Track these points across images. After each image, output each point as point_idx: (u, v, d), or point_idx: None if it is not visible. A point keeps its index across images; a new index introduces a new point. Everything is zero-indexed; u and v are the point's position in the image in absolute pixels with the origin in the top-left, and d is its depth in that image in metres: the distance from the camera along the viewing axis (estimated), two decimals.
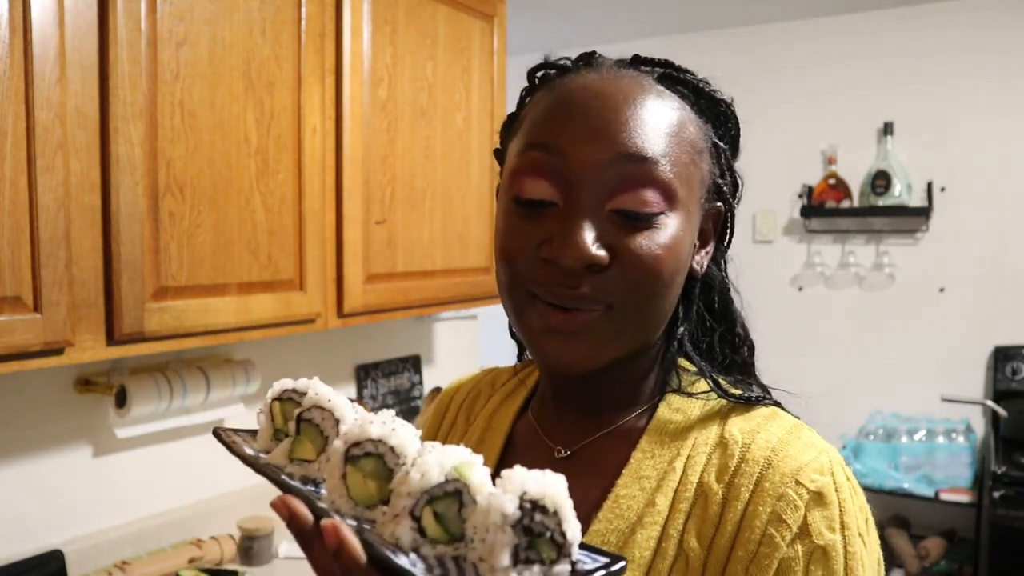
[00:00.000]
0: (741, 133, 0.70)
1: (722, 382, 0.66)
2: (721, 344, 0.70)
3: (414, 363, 2.39)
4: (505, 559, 0.42)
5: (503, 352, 0.87)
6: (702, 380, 0.67)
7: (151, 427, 1.60)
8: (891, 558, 2.87)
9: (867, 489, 2.87)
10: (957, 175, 3.04)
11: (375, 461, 0.48)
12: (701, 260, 0.66)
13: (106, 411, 1.57)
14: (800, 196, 3.27)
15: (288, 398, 0.56)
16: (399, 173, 1.78)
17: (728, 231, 0.70)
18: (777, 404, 0.68)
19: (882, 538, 3.09)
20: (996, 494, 2.48)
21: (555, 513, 0.43)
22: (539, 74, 0.67)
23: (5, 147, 1.06)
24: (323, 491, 0.50)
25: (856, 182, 3.17)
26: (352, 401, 0.56)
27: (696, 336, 0.69)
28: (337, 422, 0.53)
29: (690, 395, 0.66)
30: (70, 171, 1.14)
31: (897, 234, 3.15)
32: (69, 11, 1.13)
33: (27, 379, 1.45)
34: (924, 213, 3.03)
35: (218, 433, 0.59)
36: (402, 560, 0.43)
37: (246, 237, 1.42)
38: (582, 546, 0.45)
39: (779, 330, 3.33)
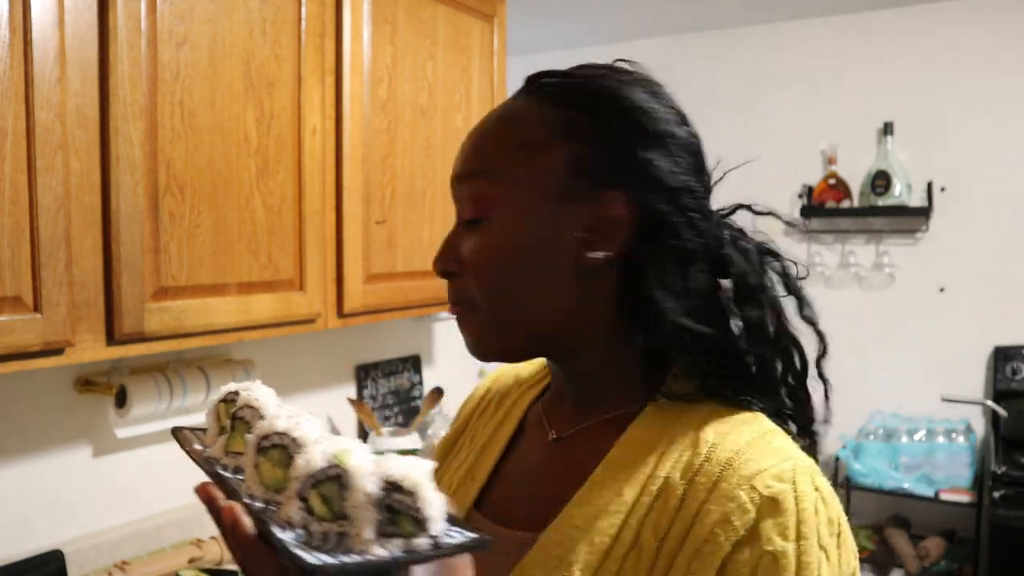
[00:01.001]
0: (641, 114, 0.65)
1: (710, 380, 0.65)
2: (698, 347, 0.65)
3: (414, 363, 2.39)
4: (369, 533, 0.49)
5: None
6: (695, 381, 0.66)
7: (151, 427, 1.60)
8: (891, 558, 2.87)
9: (867, 489, 2.88)
10: (957, 175, 3.04)
11: (281, 451, 0.55)
12: (595, 254, 0.64)
13: (106, 411, 1.57)
14: (800, 196, 3.27)
15: (231, 399, 0.63)
16: (399, 173, 1.78)
17: (661, 220, 0.64)
18: (771, 413, 0.66)
19: (882, 538, 3.09)
20: (996, 494, 2.48)
21: (413, 493, 0.49)
22: None
23: (5, 147, 1.06)
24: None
25: (856, 182, 3.17)
26: (320, 413, 0.62)
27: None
28: (262, 419, 0.59)
29: (677, 398, 0.65)
30: (70, 171, 1.14)
31: (897, 234, 3.15)
32: (69, 11, 1.13)
33: (27, 379, 1.45)
34: (924, 213, 3.03)
35: (175, 431, 0.67)
36: (283, 534, 0.49)
37: (246, 237, 1.42)
38: (455, 522, 0.51)
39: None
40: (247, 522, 0.50)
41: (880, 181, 3.05)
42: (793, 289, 0.70)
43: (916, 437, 2.91)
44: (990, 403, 2.85)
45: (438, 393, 2.17)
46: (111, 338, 1.22)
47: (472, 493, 0.74)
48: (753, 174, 3.66)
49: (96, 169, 1.19)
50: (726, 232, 0.69)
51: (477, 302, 0.67)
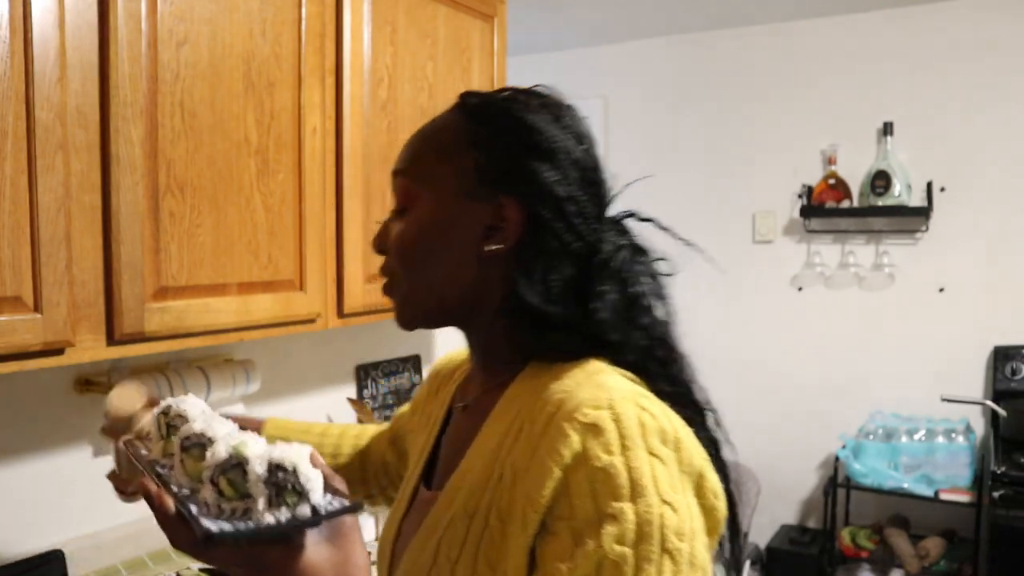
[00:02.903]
0: (536, 133, 0.77)
1: (550, 340, 0.75)
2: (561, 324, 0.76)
3: (414, 363, 2.39)
4: (262, 505, 0.61)
5: None
6: (568, 345, 0.75)
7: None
8: (891, 558, 2.87)
9: (867, 489, 2.88)
10: (957, 175, 3.04)
11: (199, 448, 0.69)
12: (492, 246, 0.77)
13: None
14: (800, 196, 3.28)
15: (166, 411, 0.79)
16: None
17: (544, 223, 0.76)
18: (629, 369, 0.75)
19: (882, 538, 3.09)
20: (996, 494, 2.49)
21: (294, 471, 0.61)
22: None
23: (5, 147, 1.06)
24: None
25: (856, 182, 3.18)
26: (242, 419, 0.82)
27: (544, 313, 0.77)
28: (185, 420, 0.74)
29: (545, 362, 0.75)
30: (70, 171, 1.14)
31: (897, 234, 3.16)
32: (69, 11, 1.13)
33: (27, 379, 1.45)
34: (924, 213, 3.03)
35: (126, 443, 0.85)
36: (192, 508, 0.63)
37: (246, 237, 1.42)
38: (336, 494, 0.64)
39: (779, 330, 3.33)
40: (169, 502, 0.65)
41: (880, 181, 3.05)
42: (656, 277, 0.80)
43: (916, 437, 2.91)
44: (990, 403, 2.85)
45: None
46: (111, 338, 1.22)
47: (418, 470, 0.88)
48: (753, 174, 3.68)
49: (96, 169, 1.19)
50: (610, 234, 0.79)
51: (397, 276, 0.82)
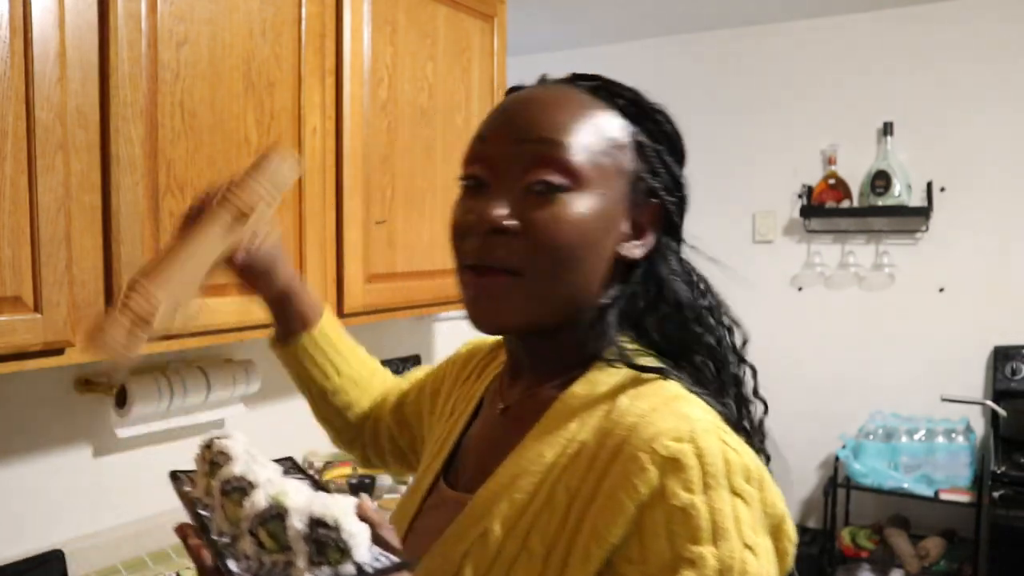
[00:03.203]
0: (683, 141, 0.76)
1: (629, 351, 0.70)
2: (665, 334, 0.73)
3: (414, 363, 2.39)
4: (302, 563, 0.57)
5: None
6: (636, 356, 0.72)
7: (151, 427, 1.60)
8: (891, 558, 2.87)
9: (867, 489, 2.88)
10: (957, 175, 3.04)
11: (239, 493, 0.64)
12: (631, 249, 0.72)
13: (106, 411, 1.57)
14: (800, 196, 3.28)
15: (208, 445, 0.72)
16: (399, 173, 1.78)
17: (672, 228, 0.75)
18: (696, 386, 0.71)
19: (882, 538, 3.09)
20: (996, 494, 2.49)
21: (336, 527, 0.56)
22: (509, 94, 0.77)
23: (5, 147, 1.06)
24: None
25: (856, 182, 3.18)
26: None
27: (640, 322, 0.73)
28: (229, 459, 0.68)
29: (610, 363, 0.70)
30: (70, 171, 1.14)
31: (897, 234, 3.15)
32: (69, 11, 1.13)
33: (27, 379, 1.45)
34: (924, 213, 3.03)
35: (172, 475, 0.78)
36: (236, 565, 0.60)
37: None
38: (385, 547, 0.59)
39: (779, 330, 3.33)
40: (207, 555, 0.61)
41: (880, 181, 3.05)
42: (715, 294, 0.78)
43: (916, 437, 2.91)
44: (990, 403, 2.85)
45: None
46: None
47: (438, 464, 0.81)
48: (753, 174, 3.69)
49: (96, 169, 1.19)
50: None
51: (521, 268, 0.67)
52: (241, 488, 0.64)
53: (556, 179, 0.67)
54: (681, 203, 0.75)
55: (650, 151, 0.72)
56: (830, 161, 3.21)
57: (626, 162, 0.71)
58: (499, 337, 0.87)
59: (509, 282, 0.67)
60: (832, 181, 3.19)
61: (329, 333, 1.01)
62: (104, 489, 1.59)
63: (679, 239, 0.76)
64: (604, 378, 0.69)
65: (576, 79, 0.75)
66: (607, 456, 0.62)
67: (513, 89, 0.78)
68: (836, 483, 2.99)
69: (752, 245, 3.41)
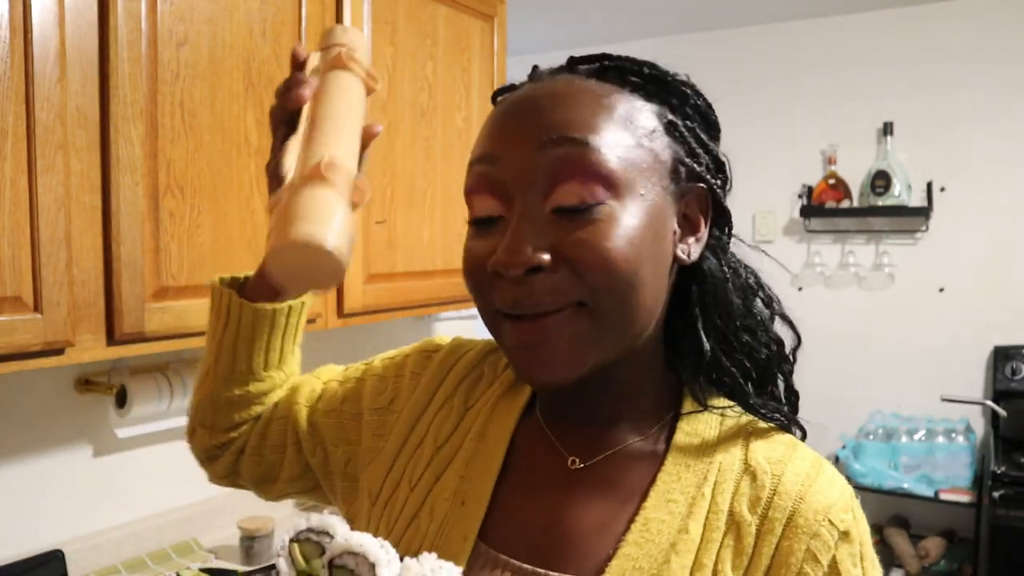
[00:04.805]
0: (716, 112, 0.68)
1: (749, 395, 0.66)
2: (725, 348, 0.66)
3: None
4: None
5: None
6: (715, 392, 0.67)
7: (151, 427, 1.60)
8: (891, 558, 2.87)
9: (867, 489, 2.88)
10: (957, 175, 3.04)
11: None
12: (688, 248, 0.62)
13: (106, 411, 1.57)
14: (800, 196, 3.27)
15: (306, 539, 0.55)
16: (399, 173, 1.78)
17: (720, 215, 0.65)
18: (790, 422, 0.67)
19: (882, 538, 3.08)
20: (996, 494, 2.48)
21: None
22: (498, 98, 0.65)
23: (5, 147, 1.06)
24: None
25: (856, 182, 3.17)
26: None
27: (698, 340, 0.64)
28: (372, 566, 0.52)
29: (706, 407, 0.64)
30: (70, 171, 1.14)
31: (897, 234, 3.15)
32: (69, 11, 1.13)
33: (27, 379, 1.45)
34: (924, 213, 3.03)
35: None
36: None
37: (247, 237, 1.42)
38: None
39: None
40: None
41: (880, 181, 3.05)
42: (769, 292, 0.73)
43: (916, 437, 2.91)
44: (990, 403, 2.85)
45: None
46: (111, 338, 1.22)
47: (473, 523, 0.64)
48: (753, 174, 3.70)
49: (96, 169, 1.19)
50: None
51: (583, 298, 0.56)
52: None
53: (589, 193, 0.56)
54: (724, 184, 0.65)
55: (684, 130, 0.62)
56: (830, 161, 3.21)
57: (660, 149, 0.60)
58: (487, 341, 0.75)
59: (568, 316, 0.56)
60: (832, 181, 3.19)
61: (302, 321, 0.83)
62: (104, 489, 1.59)
63: (730, 226, 0.67)
64: (700, 424, 0.64)
65: (576, 64, 0.64)
66: (776, 530, 0.58)
67: (501, 92, 0.66)
68: None
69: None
